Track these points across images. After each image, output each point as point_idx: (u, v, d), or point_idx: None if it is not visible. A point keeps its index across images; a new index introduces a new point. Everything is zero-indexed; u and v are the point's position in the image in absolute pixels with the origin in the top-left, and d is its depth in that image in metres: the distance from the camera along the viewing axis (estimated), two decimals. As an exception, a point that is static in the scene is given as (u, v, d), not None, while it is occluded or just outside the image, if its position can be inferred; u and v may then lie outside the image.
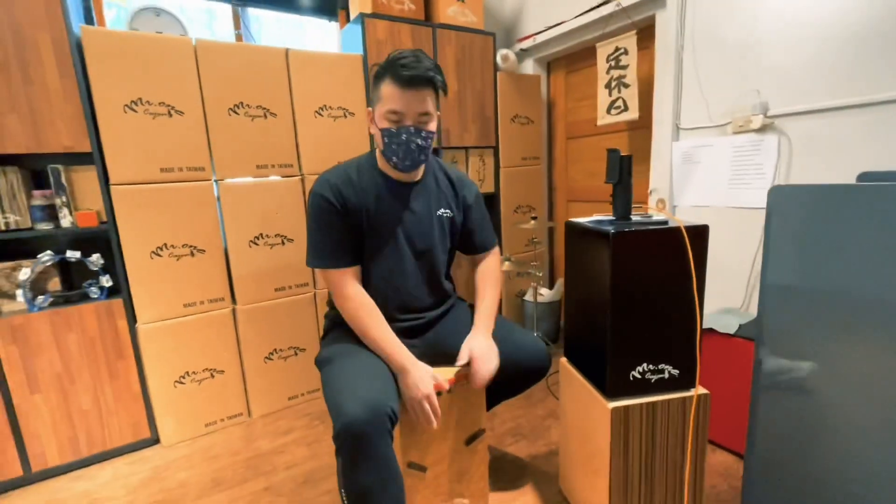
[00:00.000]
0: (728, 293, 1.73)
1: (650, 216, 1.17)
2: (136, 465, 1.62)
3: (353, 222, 1.14)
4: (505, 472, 1.50)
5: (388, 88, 1.07)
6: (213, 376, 1.78)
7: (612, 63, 2.07)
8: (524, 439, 1.68)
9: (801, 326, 0.99)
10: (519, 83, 2.47)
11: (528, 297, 2.45)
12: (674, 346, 1.09)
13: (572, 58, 2.52)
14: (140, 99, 1.55)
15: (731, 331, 1.48)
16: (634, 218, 1.14)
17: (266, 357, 1.89)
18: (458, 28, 2.24)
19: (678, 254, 1.05)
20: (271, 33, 2.31)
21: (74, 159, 1.56)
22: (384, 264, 1.19)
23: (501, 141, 2.46)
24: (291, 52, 1.81)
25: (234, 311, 1.81)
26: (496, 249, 1.40)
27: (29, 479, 1.54)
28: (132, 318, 1.63)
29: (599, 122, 2.19)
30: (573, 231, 1.20)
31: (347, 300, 1.14)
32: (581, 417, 1.23)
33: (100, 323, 1.59)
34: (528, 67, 2.69)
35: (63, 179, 1.53)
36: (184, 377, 1.72)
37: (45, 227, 1.53)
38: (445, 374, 1.17)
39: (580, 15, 2.20)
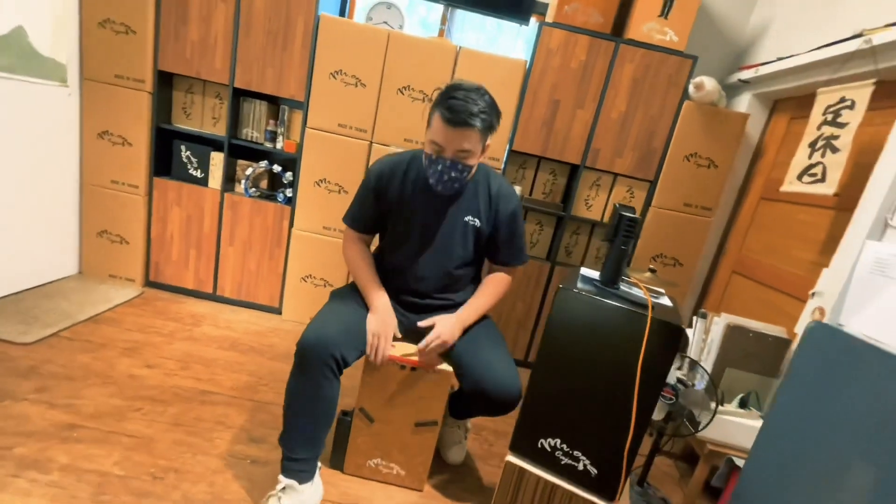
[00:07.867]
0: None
1: (645, 293, 0.98)
2: (261, 321, 2.30)
3: (383, 207, 1.35)
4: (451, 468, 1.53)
5: (436, 120, 1.16)
6: (325, 286, 2.33)
7: (829, 117, 1.57)
8: (486, 442, 1.72)
9: None
10: (712, 118, 2.09)
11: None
12: (600, 440, 0.94)
13: (803, 102, 1.96)
14: (340, 70, 2.08)
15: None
16: (623, 287, 0.98)
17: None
18: (650, 46, 2.04)
19: (638, 343, 0.88)
20: (476, 34, 2.59)
21: (295, 104, 2.22)
22: (402, 250, 1.36)
23: (663, 178, 2.17)
24: (463, 50, 2.05)
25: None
26: (517, 269, 1.41)
27: (213, 297, 2.40)
28: (292, 223, 2.27)
29: (783, 188, 1.70)
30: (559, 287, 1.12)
31: (349, 249, 1.39)
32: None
33: (275, 219, 2.28)
34: (742, 102, 2.22)
35: (285, 117, 2.23)
36: (307, 277, 2.31)
37: (269, 145, 2.26)
38: (408, 350, 1.30)
39: (818, 49, 1.70)
